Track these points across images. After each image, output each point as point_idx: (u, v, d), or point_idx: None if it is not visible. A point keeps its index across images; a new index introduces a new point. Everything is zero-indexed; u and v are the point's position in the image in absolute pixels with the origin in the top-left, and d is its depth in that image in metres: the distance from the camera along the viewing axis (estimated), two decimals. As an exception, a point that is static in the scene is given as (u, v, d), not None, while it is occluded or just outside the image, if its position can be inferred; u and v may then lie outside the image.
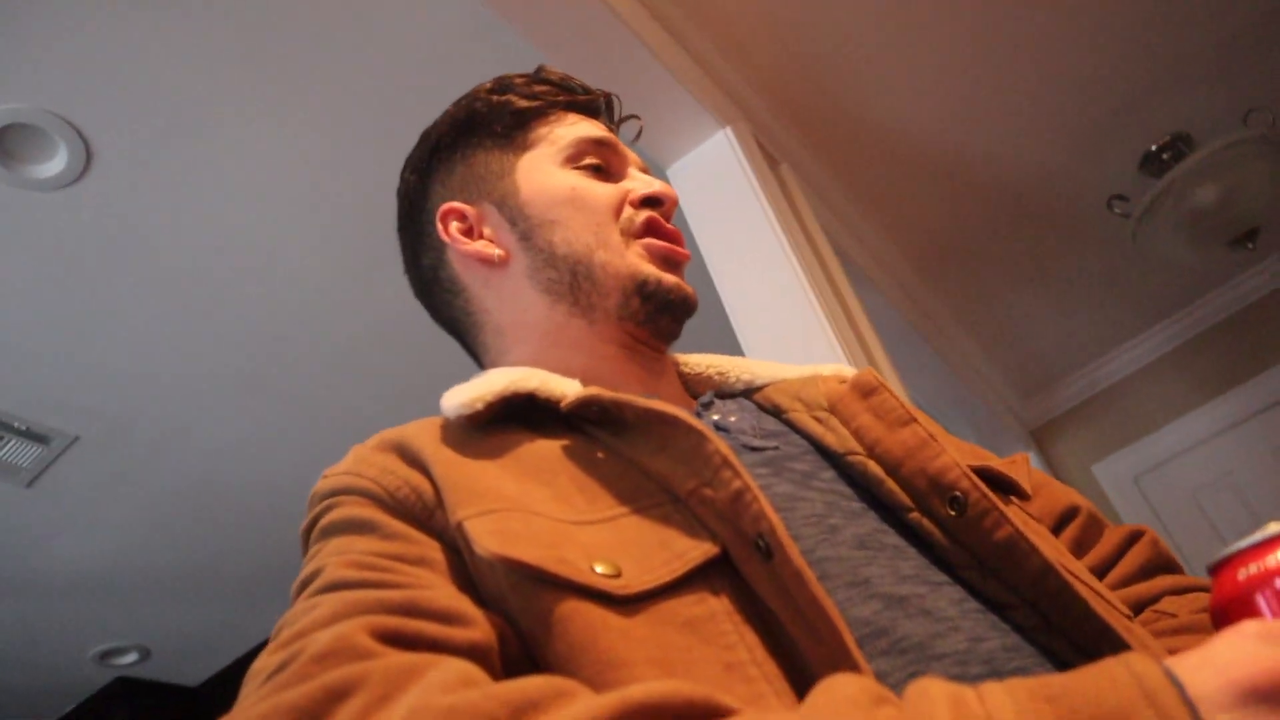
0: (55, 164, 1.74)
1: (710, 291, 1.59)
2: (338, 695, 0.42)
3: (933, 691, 0.37)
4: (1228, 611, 0.41)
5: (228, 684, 3.29)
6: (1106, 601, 0.59)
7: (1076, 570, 0.61)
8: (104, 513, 2.51)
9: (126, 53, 1.63)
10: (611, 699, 0.38)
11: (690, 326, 0.84)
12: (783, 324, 1.48)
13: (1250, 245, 2.48)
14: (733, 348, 1.54)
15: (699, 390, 0.81)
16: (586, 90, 0.84)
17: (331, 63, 1.73)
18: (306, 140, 1.85)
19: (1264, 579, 0.40)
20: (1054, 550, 0.61)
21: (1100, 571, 0.75)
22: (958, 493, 0.58)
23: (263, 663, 0.48)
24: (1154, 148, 2.44)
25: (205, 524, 2.67)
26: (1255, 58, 2.28)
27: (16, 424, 2.18)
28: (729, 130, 1.69)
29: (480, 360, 0.81)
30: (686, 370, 0.82)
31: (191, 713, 3.32)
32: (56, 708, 3.22)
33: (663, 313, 0.75)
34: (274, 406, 2.38)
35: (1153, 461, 3.10)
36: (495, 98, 0.81)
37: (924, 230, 2.50)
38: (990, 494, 0.58)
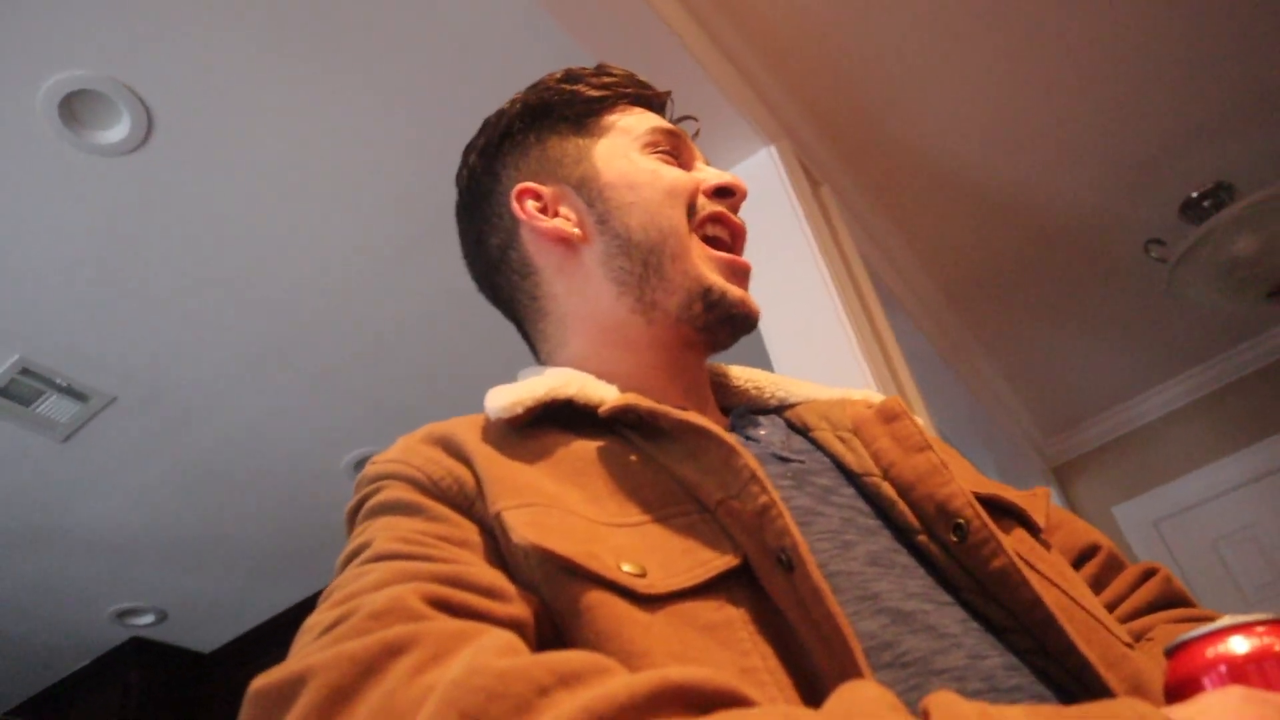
0: (118, 131, 1.79)
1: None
2: (394, 650, 0.45)
3: (962, 707, 0.39)
4: (1181, 688, 0.46)
5: (240, 652, 3.35)
6: (1107, 630, 0.62)
7: (1081, 600, 0.63)
8: (134, 474, 2.57)
9: (193, 25, 1.67)
10: (652, 676, 0.40)
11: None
12: (813, 343, 1.50)
13: (1287, 298, 2.47)
14: (762, 360, 1.56)
15: (733, 403, 0.83)
16: (649, 86, 0.87)
17: (387, 51, 1.77)
18: (357, 126, 1.88)
19: (1212, 664, 0.45)
20: (1057, 579, 0.64)
21: (1114, 605, 0.77)
22: (961, 520, 0.61)
23: (316, 619, 0.52)
24: (1195, 194, 2.44)
25: (231, 494, 2.72)
26: (1305, 111, 2.28)
27: (58, 380, 2.24)
28: (773, 148, 1.71)
29: (536, 348, 0.83)
30: (725, 382, 0.84)
31: (202, 678, 3.38)
32: (70, 662, 3.29)
33: (723, 324, 0.77)
34: (306, 384, 2.43)
35: (1174, 508, 3.08)
36: (566, 86, 0.84)
37: (959, 259, 2.51)
38: (990, 524, 0.61)
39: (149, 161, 1.85)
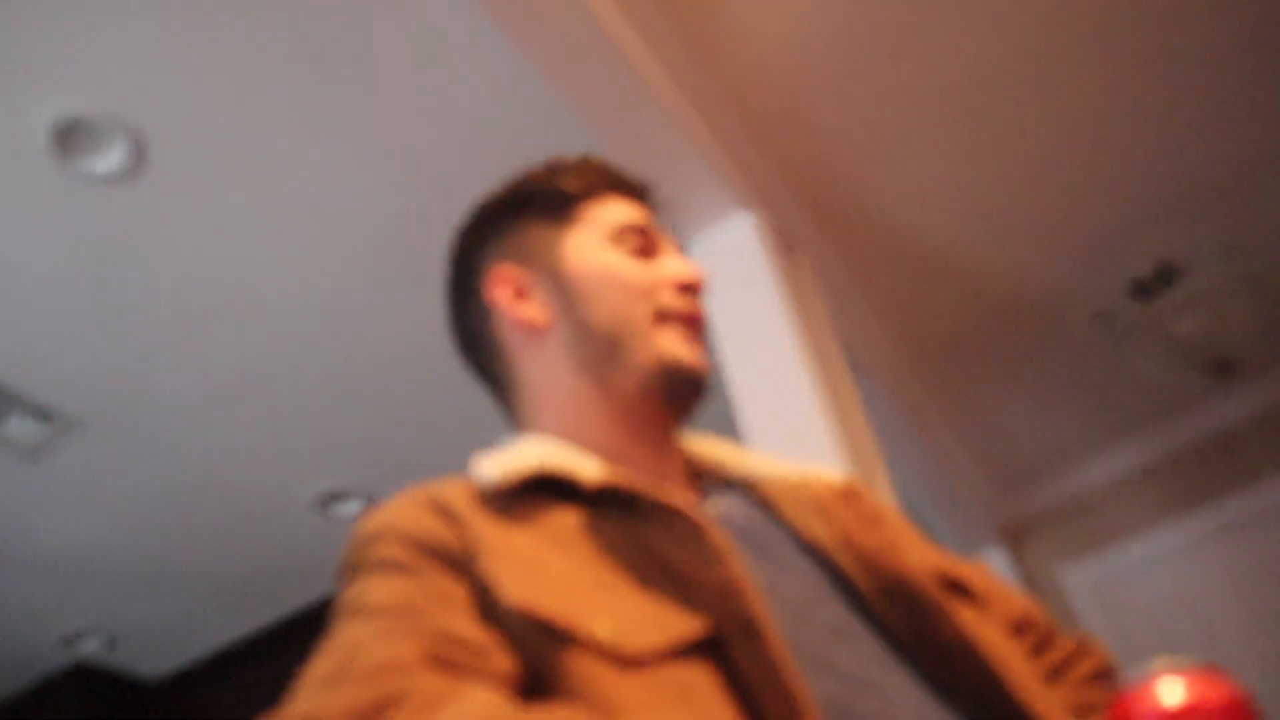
0: (110, 160, 1.80)
1: (714, 366, 1.67)
2: (388, 703, 0.51)
3: None
4: None
5: (187, 681, 3.29)
6: (1047, 702, 0.67)
7: (1017, 669, 0.68)
8: (95, 498, 2.55)
9: (191, 59, 1.70)
10: None
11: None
12: (781, 407, 1.56)
13: (1226, 376, 2.59)
14: (729, 424, 1.61)
15: (700, 474, 0.87)
16: (628, 177, 0.92)
17: (381, 92, 1.81)
18: (348, 165, 1.92)
19: (1147, 714, 0.49)
20: (999, 649, 0.69)
21: (1048, 678, 0.82)
22: (914, 592, 0.68)
23: (314, 669, 0.57)
24: (1142, 274, 2.56)
25: (192, 521, 2.70)
26: (1246, 199, 2.40)
27: (26, 398, 2.23)
28: (750, 213, 1.78)
29: (513, 417, 0.88)
30: (692, 454, 0.89)
31: (146, 705, 3.32)
32: (11, 684, 3.22)
33: (682, 391, 0.81)
34: (275, 416, 2.44)
35: (1118, 571, 3.15)
36: (547, 177, 0.89)
37: (921, 325, 2.59)
38: (941, 595, 0.67)
39: (139, 191, 1.87)
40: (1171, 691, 0.50)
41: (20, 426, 2.29)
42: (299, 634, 3.09)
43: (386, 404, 2.46)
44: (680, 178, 1.72)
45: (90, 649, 3.12)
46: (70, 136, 1.77)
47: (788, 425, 1.55)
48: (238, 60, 1.72)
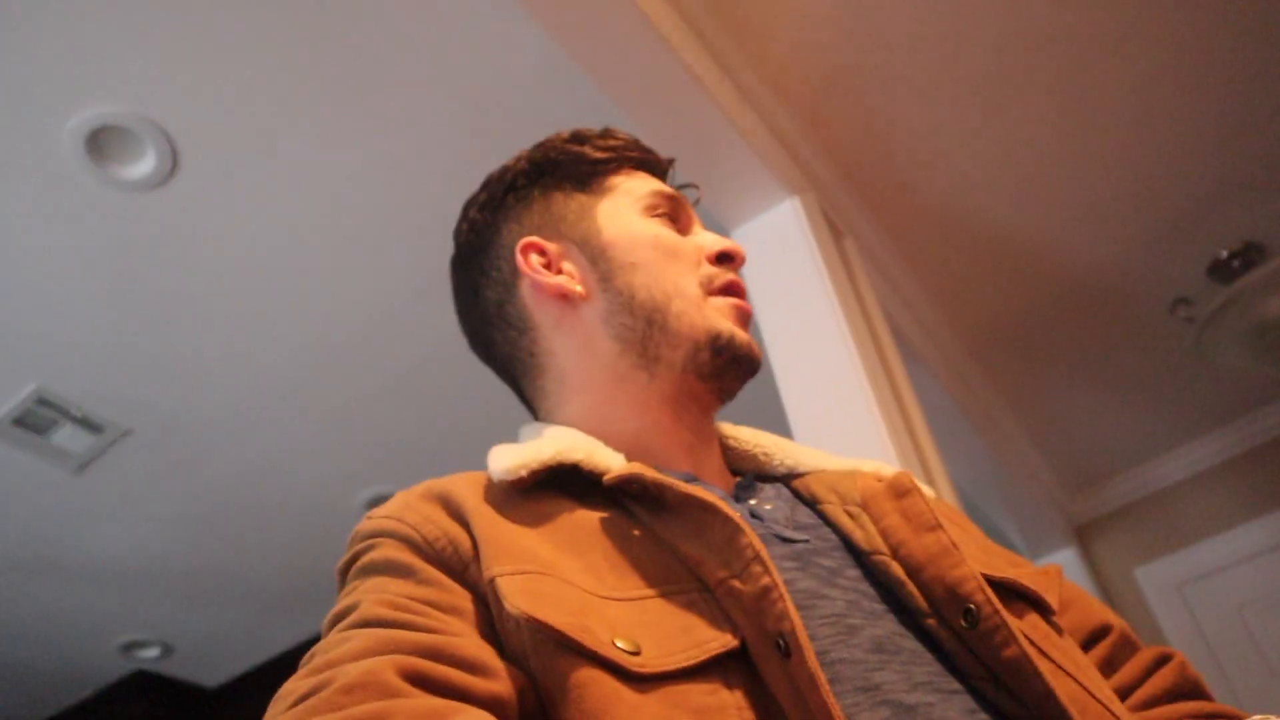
0: (143, 166, 1.80)
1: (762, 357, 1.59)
2: None
3: None
4: None
5: (244, 689, 3.31)
6: None
7: (1095, 692, 0.61)
8: (146, 507, 2.56)
9: (221, 65, 1.68)
10: None
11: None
12: (831, 399, 1.48)
13: (1317, 363, 2.43)
14: (778, 414, 1.53)
15: (741, 466, 0.81)
16: (653, 152, 0.87)
17: (410, 94, 1.78)
18: (379, 166, 1.89)
19: None
20: (1071, 668, 0.62)
21: (1126, 691, 0.75)
22: (971, 605, 0.59)
23: (291, 686, 0.51)
24: (1224, 254, 2.41)
25: (242, 529, 2.71)
26: (1337, 174, 2.25)
27: (73, 410, 2.24)
28: (797, 200, 1.70)
29: (534, 406, 0.82)
30: (732, 444, 0.83)
31: (205, 713, 3.34)
32: (72, 693, 3.26)
33: (730, 368, 0.76)
34: (321, 421, 2.42)
35: (1199, 571, 3.02)
36: (572, 146, 0.84)
37: (982, 314, 2.48)
38: (1002, 610, 0.59)
39: (173, 197, 1.86)
40: None
41: (70, 438, 2.30)
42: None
43: (435, 407, 2.43)
44: (725, 165, 1.66)
45: (147, 658, 3.15)
46: (103, 143, 1.76)
47: (837, 418, 1.47)
48: (268, 63, 1.70)
